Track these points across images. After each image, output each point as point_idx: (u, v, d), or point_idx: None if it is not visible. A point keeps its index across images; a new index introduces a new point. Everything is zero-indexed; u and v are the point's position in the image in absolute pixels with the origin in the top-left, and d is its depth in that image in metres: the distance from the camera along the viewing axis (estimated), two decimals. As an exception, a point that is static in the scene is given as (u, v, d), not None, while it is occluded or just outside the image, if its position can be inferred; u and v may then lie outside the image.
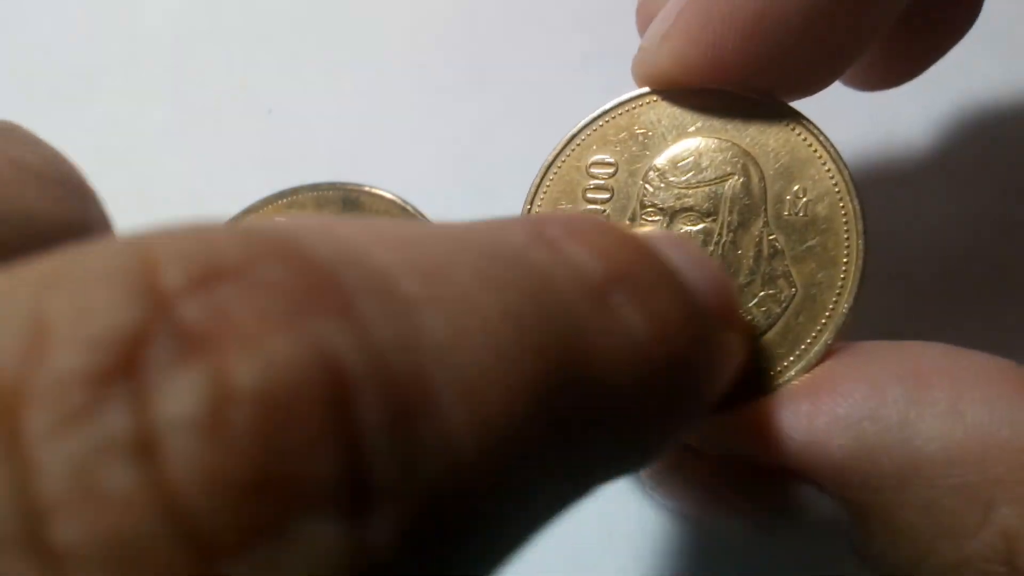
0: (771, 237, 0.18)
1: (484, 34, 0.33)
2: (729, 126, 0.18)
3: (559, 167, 0.19)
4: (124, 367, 0.08)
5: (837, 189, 0.18)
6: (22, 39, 0.32)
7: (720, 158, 0.18)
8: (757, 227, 0.18)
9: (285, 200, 0.27)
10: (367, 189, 0.28)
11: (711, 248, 0.18)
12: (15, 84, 0.31)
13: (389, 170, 0.29)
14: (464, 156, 0.29)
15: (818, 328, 0.18)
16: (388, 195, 0.28)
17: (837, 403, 0.16)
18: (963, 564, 0.15)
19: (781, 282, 0.18)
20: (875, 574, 0.17)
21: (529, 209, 0.19)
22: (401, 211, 0.27)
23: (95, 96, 0.31)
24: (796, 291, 0.18)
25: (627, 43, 0.20)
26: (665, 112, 0.19)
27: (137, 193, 0.28)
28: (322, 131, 0.30)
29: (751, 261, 0.18)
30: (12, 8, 0.33)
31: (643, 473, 0.19)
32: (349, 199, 0.27)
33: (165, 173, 0.28)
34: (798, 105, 0.18)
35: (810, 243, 0.18)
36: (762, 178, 0.18)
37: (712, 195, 0.18)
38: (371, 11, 0.33)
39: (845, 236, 0.18)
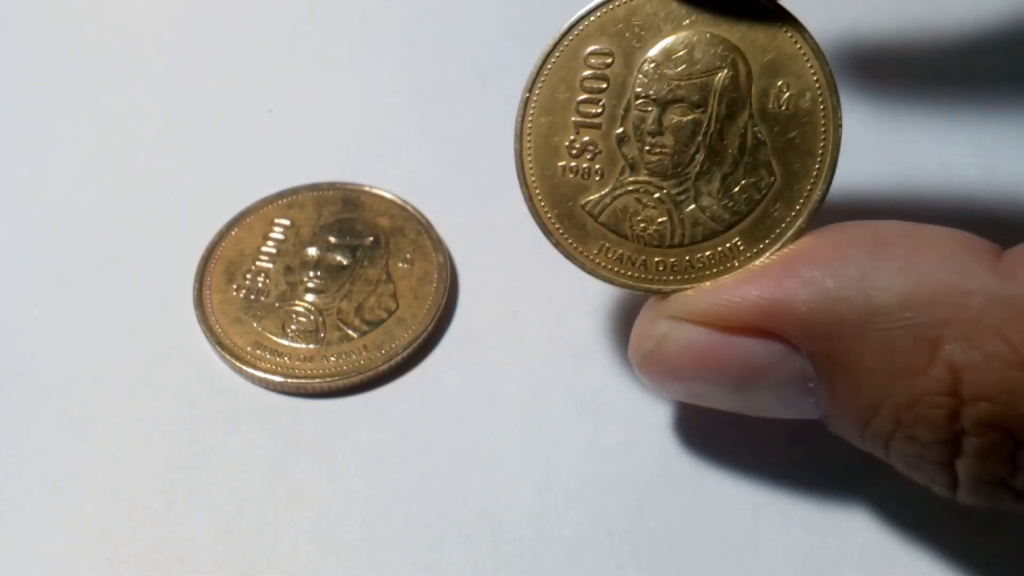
0: (755, 129, 0.19)
1: (484, 34, 0.33)
2: (722, 20, 0.19)
3: (558, 55, 0.19)
4: None
5: (818, 85, 0.19)
6: (22, 39, 0.32)
7: (712, 52, 0.19)
8: (743, 119, 0.19)
9: (285, 200, 0.28)
10: (367, 189, 0.28)
11: (699, 139, 0.19)
12: (15, 84, 0.31)
13: (389, 170, 0.29)
14: (464, 156, 0.29)
15: (792, 214, 0.19)
16: (388, 195, 0.28)
17: (803, 265, 0.17)
18: (916, 401, 0.17)
19: (762, 171, 0.19)
20: (842, 438, 0.19)
21: (528, 97, 0.19)
22: (401, 211, 0.27)
23: (95, 96, 0.31)
24: (776, 180, 0.19)
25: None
26: (662, 5, 0.19)
27: (137, 193, 0.28)
28: (322, 131, 0.30)
29: (735, 151, 0.19)
30: (12, 8, 0.33)
31: (631, 357, 0.20)
32: (349, 199, 0.28)
33: (165, 173, 0.28)
34: (792, 5, 0.19)
35: (791, 135, 0.19)
36: (749, 72, 0.19)
37: (703, 87, 0.19)
38: (371, 11, 0.33)
39: (822, 129, 0.19)
